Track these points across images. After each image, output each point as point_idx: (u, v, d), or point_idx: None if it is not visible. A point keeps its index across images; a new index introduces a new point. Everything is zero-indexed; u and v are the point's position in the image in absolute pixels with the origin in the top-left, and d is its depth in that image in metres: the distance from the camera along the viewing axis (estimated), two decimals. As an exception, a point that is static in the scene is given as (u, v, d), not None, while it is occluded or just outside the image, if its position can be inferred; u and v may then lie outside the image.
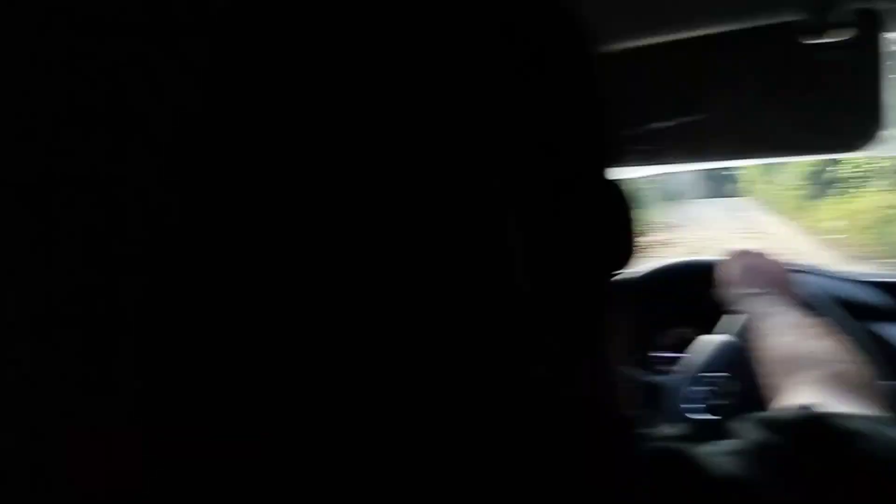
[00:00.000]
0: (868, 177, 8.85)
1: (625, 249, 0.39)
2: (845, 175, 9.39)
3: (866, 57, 1.03)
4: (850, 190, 9.31)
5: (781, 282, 1.16)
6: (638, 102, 1.23)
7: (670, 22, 1.14)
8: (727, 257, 1.26)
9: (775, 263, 1.21)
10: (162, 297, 0.25)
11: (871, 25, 1.02)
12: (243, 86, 0.25)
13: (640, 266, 1.43)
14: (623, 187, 0.40)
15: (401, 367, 0.27)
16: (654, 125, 1.21)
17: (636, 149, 1.24)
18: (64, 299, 0.25)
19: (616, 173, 0.40)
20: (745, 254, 1.25)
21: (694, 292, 1.58)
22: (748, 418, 0.42)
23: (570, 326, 0.35)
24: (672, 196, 12.98)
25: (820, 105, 1.09)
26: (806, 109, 1.10)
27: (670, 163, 1.24)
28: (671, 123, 1.18)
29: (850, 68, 1.05)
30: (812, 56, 1.07)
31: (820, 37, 1.04)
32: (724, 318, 1.52)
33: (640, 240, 0.40)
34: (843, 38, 1.03)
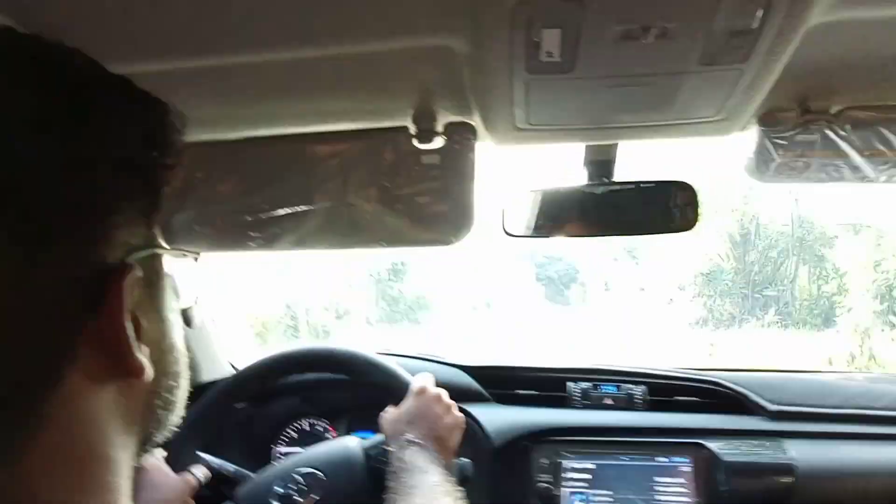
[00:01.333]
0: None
1: None
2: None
3: (461, 162, 1.14)
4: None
5: (444, 436, 1.14)
6: (249, 191, 1.19)
7: (280, 117, 1.12)
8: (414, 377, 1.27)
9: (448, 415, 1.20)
10: None
11: (465, 135, 1.13)
12: None
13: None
14: None
15: None
16: (264, 213, 1.17)
17: (251, 234, 1.19)
18: None
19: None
20: (423, 388, 1.22)
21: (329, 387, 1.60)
22: None
23: None
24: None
25: (424, 202, 1.17)
26: (411, 205, 1.17)
27: (284, 249, 1.19)
28: (278, 212, 1.16)
29: (449, 171, 1.15)
30: (418, 158, 1.15)
31: (425, 142, 1.12)
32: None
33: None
34: (443, 145, 1.13)
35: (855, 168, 1.08)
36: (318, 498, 1.18)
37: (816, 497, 1.36)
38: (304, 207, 1.17)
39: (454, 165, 1.15)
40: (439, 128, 1.11)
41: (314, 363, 1.37)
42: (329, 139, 1.16)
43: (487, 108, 1.04)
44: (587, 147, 1.20)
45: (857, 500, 1.37)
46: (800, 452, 1.38)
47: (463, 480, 1.24)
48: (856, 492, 1.37)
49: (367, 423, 1.59)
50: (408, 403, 1.19)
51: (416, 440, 1.10)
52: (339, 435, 1.63)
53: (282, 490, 1.19)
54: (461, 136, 1.13)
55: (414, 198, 1.18)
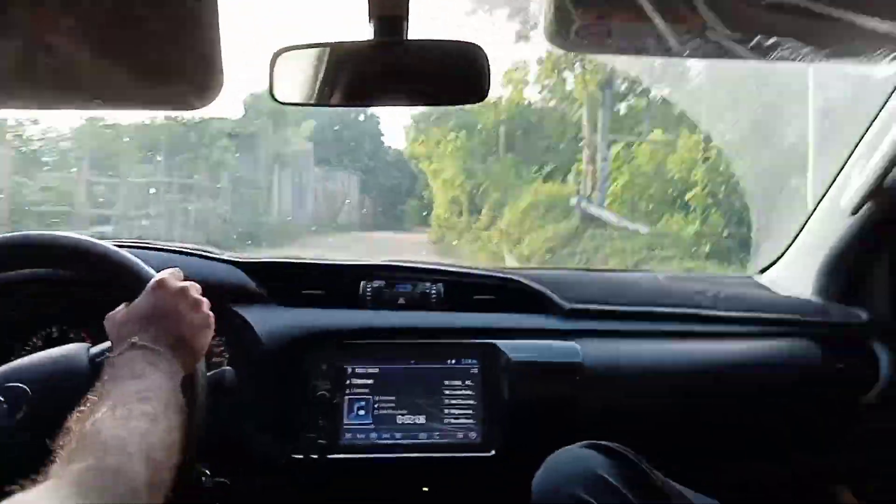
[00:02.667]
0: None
1: None
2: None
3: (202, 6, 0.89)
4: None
5: (186, 337, 0.96)
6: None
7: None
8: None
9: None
10: None
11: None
12: None
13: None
14: None
15: None
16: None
17: None
18: None
19: None
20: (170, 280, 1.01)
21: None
22: None
23: None
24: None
25: (150, 51, 0.92)
26: (134, 54, 0.92)
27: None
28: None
29: (180, 7, 0.89)
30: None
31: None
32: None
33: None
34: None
35: (658, 37, 0.96)
36: (21, 416, 0.96)
37: (601, 395, 1.33)
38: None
39: (187, 6, 0.89)
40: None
41: (29, 255, 1.10)
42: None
43: None
44: None
45: (640, 398, 1.35)
46: (589, 351, 1.33)
47: (219, 389, 1.07)
48: (639, 389, 1.35)
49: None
50: (141, 300, 0.98)
51: (144, 343, 0.90)
52: (97, 343, 1.38)
53: None
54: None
55: (136, 44, 0.92)
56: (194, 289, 1.03)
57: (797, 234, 1.61)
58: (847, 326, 1.46)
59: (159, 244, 1.39)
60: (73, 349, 1.08)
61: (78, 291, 1.30)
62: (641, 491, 1.07)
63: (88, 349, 1.07)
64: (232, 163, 6.26)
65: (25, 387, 0.98)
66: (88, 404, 0.79)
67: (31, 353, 1.38)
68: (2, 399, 0.97)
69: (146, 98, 0.95)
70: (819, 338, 1.42)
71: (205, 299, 1.04)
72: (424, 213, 8.58)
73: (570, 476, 1.08)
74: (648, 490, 1.08)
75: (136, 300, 0.99)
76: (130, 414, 0.75)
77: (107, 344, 1.03)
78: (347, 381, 1.30)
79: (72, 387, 0.97)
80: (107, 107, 0.95)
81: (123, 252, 1.06)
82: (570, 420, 1.32)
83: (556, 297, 1.42)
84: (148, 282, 1.01)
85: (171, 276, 1.03)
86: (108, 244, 1.08)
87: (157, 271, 1.03)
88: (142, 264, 1.05)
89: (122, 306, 1.00)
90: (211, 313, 1.03)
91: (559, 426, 1.30)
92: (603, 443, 1.13)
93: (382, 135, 9.32)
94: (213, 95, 0.94)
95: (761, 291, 1.61)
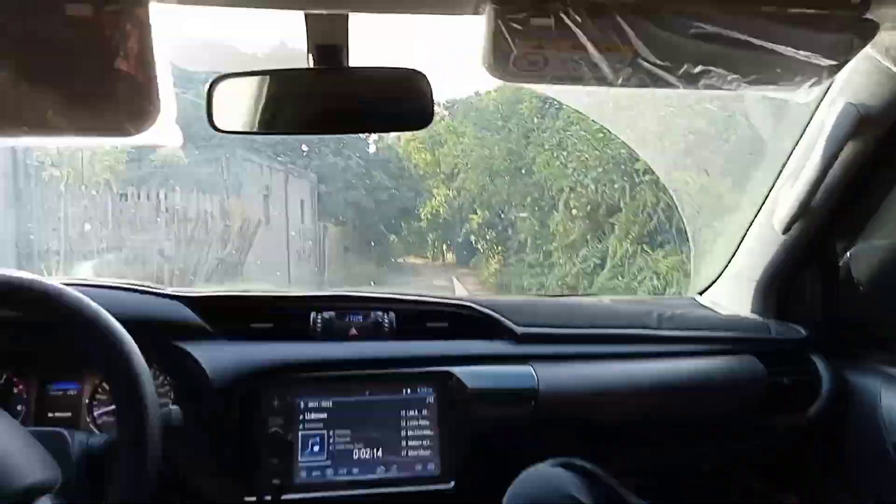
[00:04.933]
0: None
1: None
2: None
3: (127, 19, 0.87)
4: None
5: None
6: None
7: None
8: None
9: None
10: None
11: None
12: None
13: None
14: None
15: None
16: None
17: None
18: None
19: None
20: None
21: None
22: None
23: None
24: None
25: (82, 76, 0.90)
26: (64, 79, 0.89)
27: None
28: None
29: (113, 31, 0.87)
30: (63, 9, 0.86)
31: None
32: None
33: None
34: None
35: (593, 66, 1.00)
36: None
37: (556, 418, 1.34)
38: None
39: (119, 23, 0.87)
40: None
41: None
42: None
43: None
44: (308, 20, 0.99)
45: (594, 419, 1.37)
46: (543, 375, 1.35)
47: (166, 430, 1.03)
48: (592, 410, 1.37)
49: (68, 372, 1.32)
50: None
51: None
52: (28, 390, 1.32)
53: None
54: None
55: (67, 70, 0.89)
56: None
57: (733, 254, 1.68)
58: (787, 342, 1.52)
59: (102, 281, 1.35)
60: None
61: (12, 332, 1.25)
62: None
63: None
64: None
65: None
66: None
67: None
68: None
69: (79, 126, 0.92)
70: (761, 354, 1.47)
71: None
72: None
73: (541, 497, 1.09)
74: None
75: None
76: None
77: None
78: (300, 417, 1.28)
79: None
80: (37, 135, 0.92)
81: (70, 291, 1.02)
82: (527, 445, 1.32)
83: (508, 323, 1.43)
84: (97, 322, 0.97)
85: None
86: (59, 284, 1.04)
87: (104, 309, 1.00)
88: (90, 303, 1.01)
89: None
90: None
91: (518, 451, 1.31)
92: (571, 461, 1.14)
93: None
94: (150, 121, 0.92)
95: (703, 311, 1.67)
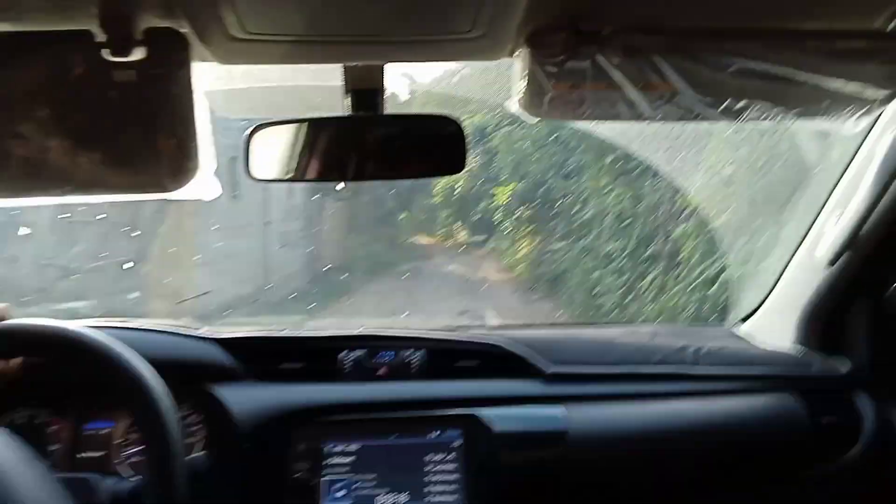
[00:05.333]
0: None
1: None
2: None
3: (172, 81, 0.88)
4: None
5: None
6: None
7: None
8: None
9: None
10: None
11: (174, 48, 0.88)
12: None
13: None
14: None
15: None
16: None
17: None
18: None
19: None
20: None
21: None
22: None
23: None
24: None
25: (126, 136, 0.90)
26: (109, 140, 0.90)
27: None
28: None
29: (157, 93, 0.89)
30: (110, 74, 0.87)
31: (119, 53, 0.85)
32: None
33: None
34: (144, 58, 0.86)
35: (630, 103, 0.97)
36: None
37: (588, 460, 1.29)
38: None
39: (162, 86, 0.89)
40: (138, 35, 0.85)
41: (20, 346, 1.04)
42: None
43: (194, 11, 0.81)
44: (346, 70, 0.99)
45: (628, 462, 1.32)
46: (573, 417, 1.30)
47: (191, 475, 1.01)
48: (626, 453, 1.32)
49: (102, 411, 1.30)
50: None
51: None
52: (62, 429, 1.32)
53: None
54: (167, 46, 0.87)
55: (111, 130, 0.90)
56: None
57: (774, 285, 1.62)
58: (828, 379, 1.45)
59: (132, 323, 1.34)
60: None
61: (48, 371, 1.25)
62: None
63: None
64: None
65: None
66: None
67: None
68: None
69: (119, 184, 0.92)
70: (801, 392, 1.41)
71: None
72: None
73: None
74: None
75: None
76: None
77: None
78: (325, 461, 1.25)
79: None
80: (78, 194, 0.92)
81: (100, 336, 1.01)
82: (557, 489, 1.28)
83: (538, 362, 1.39)
84: (130, 369, 0.96)
85: None
86: (80, 329, 1.03)
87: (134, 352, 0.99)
88: (121, 348, 0.99)
89: None
90: None
91: (547, 496, 1.27)
92: None
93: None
94: (189, 178, 0.92)
95: (741, 344, 1.60)
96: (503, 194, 7.58)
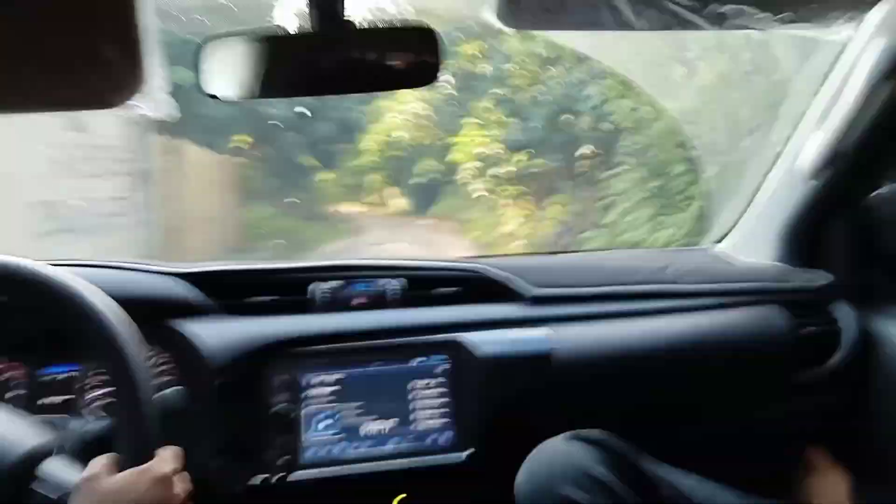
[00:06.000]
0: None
1: None
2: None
3: None
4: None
5: None
6: None
7: None
8: None
9: None
10: None
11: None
12: None
13: None
14: None
15: None
16: None
17: None
18: None
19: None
20: None
21: None
22: None
23: None
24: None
25: (62, 42, 0.81)
26: (40, 46, 0.81)
27: None
28: None
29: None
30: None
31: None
32: None
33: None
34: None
35: (614, 9, 0.90)
36: None
37: (574, 383, 1.29)
38: None
39: None
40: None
41: None
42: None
43: None
44: None
45: (614, 381, 1.32)
46: (557, 338, 1.29)
47: (167, 412, 0.99)
48: (611, 372, 1.32)
49: (66, 355, 1.25)
50: (138, 486, 0.87)
51: None
52: (26, 373, 1.26)
53: None
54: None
55: (45, 36, 0.80)
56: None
57: (751, 200, 1.60)
58: (808, 290, 1.46)
59: (94, 261, 1.28)
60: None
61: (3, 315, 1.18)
62: (632, 481, 1.04)
63: None
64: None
65: None
66: None
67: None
68: None
69: (59, 98, 0.83)
70: (782, 304, 1.41)
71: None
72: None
73: (556, 474, 1.04)
74: (639, 479, 1.05)
75: (132, 480, 0.86)
76: None
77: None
78: (305, 393, 1.22)
79: None
80: (14, 111, 0.84)
81: (61, 272, 0.94)
82: (544, 411, 1.27)
83: (519, 286, 1.36)
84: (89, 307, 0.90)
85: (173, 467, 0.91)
86: (45, 266, 0.96)
87: (98, 290, 0.93)
88: (81, 285, 0.93)
89: (103, 465, 0.87)
90: None
91: (534, 418, 1.26)
92: (586, 433, 1.09)
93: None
94: (134, 90, 0.84)
95: (721, 261, 1.60)
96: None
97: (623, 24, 0.93)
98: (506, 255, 1.53)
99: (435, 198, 6.70)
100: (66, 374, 1.23)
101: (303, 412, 1.21)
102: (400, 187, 7.03)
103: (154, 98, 0.86)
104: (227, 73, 0.93)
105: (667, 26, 0.95)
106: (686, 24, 0.96)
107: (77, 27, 0.79)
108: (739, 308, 1.41)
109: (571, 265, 1.54)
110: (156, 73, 0.84)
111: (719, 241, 1.70)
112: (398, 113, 6.52)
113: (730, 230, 1.67)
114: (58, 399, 1.22)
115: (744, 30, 1.00)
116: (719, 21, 0.96)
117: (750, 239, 1.60)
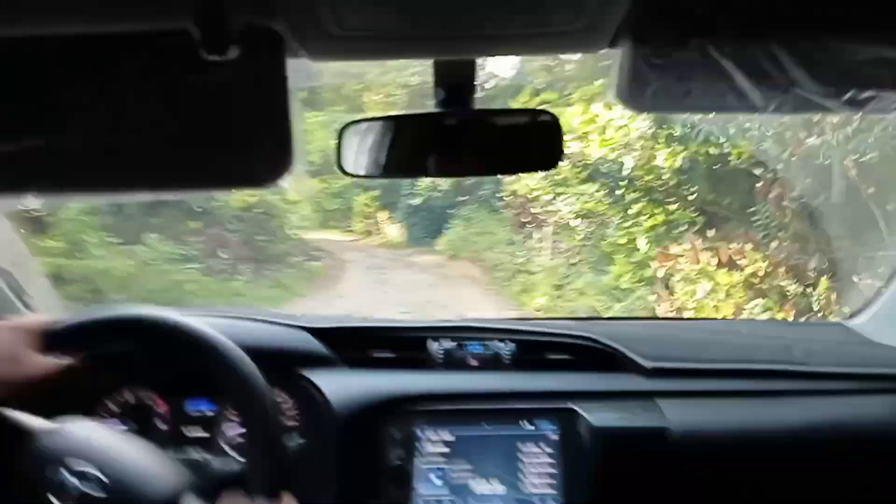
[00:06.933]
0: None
1: None
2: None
3: (268, 79, 0.89)
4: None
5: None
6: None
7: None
8: None
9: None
10: None
11: (270, 46, 0.88)
12: None
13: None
14: None
15: None
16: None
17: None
18: None
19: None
20: None
21: None
22: None
23: None
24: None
25: (223, 133, 0.92)
26: (207, 136, 0.91)
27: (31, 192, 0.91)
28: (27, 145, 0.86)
29: (253, 91, 0.90)
30: (211, 74, 0.89)
31: (215, 52, 0.86)
32: None
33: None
34: (239, 56, 0.87)
35: (741, 95, 0.90)
36: None
37: (691, 462, 1.25)
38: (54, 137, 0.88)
39: (258, 83, 0.89)
40: (234, 34, 0.85)
41: (119, 331, 1.08)
42: (86, 44, 0.87)
43: (290, 8, 0.81)
44: (437, 65, 0.98)
45: (734, 464, 1.26)
46: (675, 414, 1.26)
47: (288, 462, 1.04)
48: (730, 454, 1.26)
49: (205, 394, 1.35)
50: None
51: None
52: (169, 407, 1.38)
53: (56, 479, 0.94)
54: (262, 44, 0.87)
55: (210, 128, 0.91)
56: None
57: (893, 275, 1.50)
58: None
59: (225, 312, 1.39)
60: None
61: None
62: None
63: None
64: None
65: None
66: None
67: (107, 418, 1.38)
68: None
69: (219, 180, 0.94)
70: None
71: None
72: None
73: None
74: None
75: None
76: None
77: None
78: (419, 449, 1.26)
79: None
80: (178, 191, 0.95)
81: (197, 323, 1.03)
82: (657, 487, 1.24)
83: (636, 356, 1.35)
84: (223, 352, 0.98)
85: None
86: (177, 317, 1.05)
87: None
88: (214, 334, 1.02)
89: None
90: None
91: (645, 495, 1.23)
92: None
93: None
94: (286, 171, 0.93)
95: (855, 340, 1.50)
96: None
97: (750, 109, 0.93)
98: (615, 318, 1.50)
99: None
100: (209, 412, 1.33)
101: (416, 467, 1.25)
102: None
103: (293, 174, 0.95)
104: (362, 154, 1.01)
105: (797, 111, 0.94)
106: (819, 109, 0.93)
107: (236, 118, 0.90)
108: (875, 395, 1.32)
109: (687, 336, 1.50)
110: (300, 154, 0.93)
111: (853, 315, 1.59)
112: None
113: (866, 305, 1.57)
114: (201, 434, 1.33)
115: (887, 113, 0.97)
116: (860, 105, 0.93)
117: (890, 318, 1.49)
